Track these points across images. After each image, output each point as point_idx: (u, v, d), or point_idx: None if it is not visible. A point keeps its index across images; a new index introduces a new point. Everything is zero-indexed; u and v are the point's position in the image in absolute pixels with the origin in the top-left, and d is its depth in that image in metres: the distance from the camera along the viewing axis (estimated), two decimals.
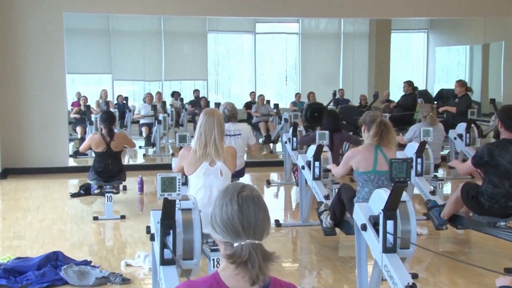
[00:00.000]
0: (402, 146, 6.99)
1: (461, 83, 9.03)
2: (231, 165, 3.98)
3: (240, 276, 1.62)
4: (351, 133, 8.59)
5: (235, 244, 1.62)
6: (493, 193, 4.42)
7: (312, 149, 5.64)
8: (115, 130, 6.70)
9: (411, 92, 10.55)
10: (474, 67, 15.28)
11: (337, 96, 12.86)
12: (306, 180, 5.72)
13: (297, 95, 13.55)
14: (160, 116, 10.59)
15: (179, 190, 3.15)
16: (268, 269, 1.63)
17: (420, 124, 7.11)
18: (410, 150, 5.94)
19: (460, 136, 7.86)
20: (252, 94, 13.41)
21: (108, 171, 6.42)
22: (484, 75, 14.58)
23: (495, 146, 4.46)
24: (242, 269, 1.61)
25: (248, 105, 12.87)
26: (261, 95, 12.43)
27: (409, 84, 10.61)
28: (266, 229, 1.68)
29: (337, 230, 4.97)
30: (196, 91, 13.83)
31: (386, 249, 3.35)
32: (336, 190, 5.07)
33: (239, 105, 14.86)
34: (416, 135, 6.86)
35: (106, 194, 6.18)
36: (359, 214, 3.63)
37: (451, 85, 15.08)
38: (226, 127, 5.61)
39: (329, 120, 6.54)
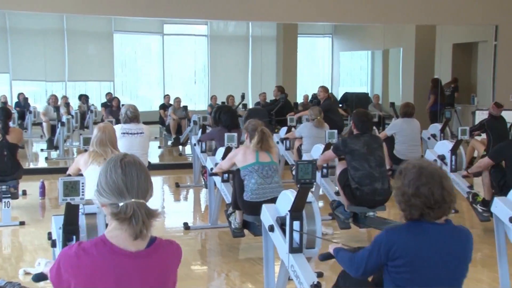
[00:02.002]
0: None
1: (325, 88, 9.61)
2: None
3: (124, 232, 1.78)
4: None
5: (121, 204, 1.78)
6: (359, 177, 4.91)
7: (220, 151, 5.65)
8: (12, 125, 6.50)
9: (326, 97, 10.72)
10: (375, 72, 15.96)
11: (251, 98, 13.04)
12: (215, 182, 5.73)
13: (213, 97, 13.54)
14: (64, 118, 10.19)
15: (82, 195, 3.04)
16: (151, 225, 1.81)
17: (309, 123, 7.48)
18: (315, 152, 6.11)
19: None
20: (167, 96, 13.26)
21: (4, 163, 6.11)
22: (384, 79, 15.27)
23: (347, 138, 5.30)
24: (127, 225, 1.77)
25: (163, 108, 12.72)
26: (177, 98, 12.38)
27: (324, 90, 10.78)
28: (148, 189, 1.88)
29: (246, 231, 5.02)
30: (108, 94, 13.50)
31: (293, 250, 3.42)
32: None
33: (148, 107, 14.61)
34: (306, 133, 7.38)
35: (3, 199, 5.85)
36: (267, 215, 3.67)
37: (355, 88, 15.71)
38: (128, 127, 5.74)
39: (227, 117, 6.67)
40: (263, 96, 13.40)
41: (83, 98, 13.87)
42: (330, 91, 16.33)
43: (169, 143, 11.68)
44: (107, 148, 4.38)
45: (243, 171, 4.69)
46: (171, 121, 11.74)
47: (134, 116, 5.88)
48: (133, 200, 1.79)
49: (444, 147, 6.35)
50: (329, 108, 9.36)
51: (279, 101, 11.39)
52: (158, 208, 1.83)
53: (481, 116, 10.14)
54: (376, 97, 12.75)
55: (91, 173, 4.11)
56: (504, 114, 9.64)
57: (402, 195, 2.36)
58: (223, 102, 12.44)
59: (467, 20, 11.27)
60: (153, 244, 1.85)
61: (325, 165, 5.85)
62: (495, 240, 3.78)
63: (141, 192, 1.83)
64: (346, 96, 15.30)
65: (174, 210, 7.24)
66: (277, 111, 11.07)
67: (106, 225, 3.21)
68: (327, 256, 2.83)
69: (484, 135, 8.32)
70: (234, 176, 4.97)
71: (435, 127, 8.42)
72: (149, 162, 6.22)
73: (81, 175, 4.09)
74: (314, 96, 13.59)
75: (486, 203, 5.42)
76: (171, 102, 12.46)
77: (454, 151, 6.16)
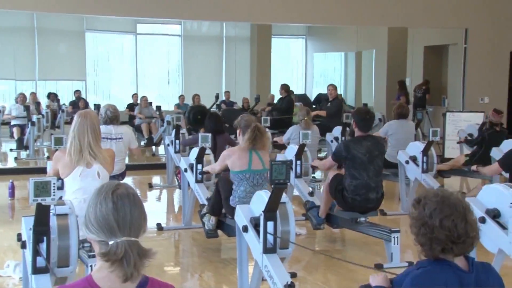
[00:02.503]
0: (282, 149, 7.24)
1: (334, 86, 9.53)
2: (109, 167, 3.89)
3: (114, 275, 1.60)
4: (233, 136, 8.71)
5: (110, 242, 1.60)
6: (355, 186, 4.80)
7: (194, 151, 5.63)
8: None
9: (286, 95, 10.93)
10: (348, 73, 16.09)
11: (223, 98, 12.98)
12: (188, 182, 5.70)
13: (181, 97, 13.47)
14: (34, 118, 10.02)
15: (54, 195, 3.00)
16: (144, 266, 1.63)
17: (297, 126, 7.39)
18: (290, 153, 6.13)
19: (337, 139, 8.24)
20: (135, 95, 13.14)
21: None
22: (357, 81, 15.40)
23: (350, 142, 4.99)
24: (117, 267, 1.59)
25: (130, 107, 12.59)
26: (144, 97, 12.25)
27: (283, 87, 10.99)
28: (142, 226, 1.68)
29: (220, 232, 5.00)
30: (77, 92, 13.30)
31: (267, 250, 3.42)
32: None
33: (120, 107, 14.44)
34: (293, 136, 7.15)
35: None
36: (241, 216, 3.67)
37: None
38: (107, 130, 5.56)
39: (211, 122, 6.61)
40: (227, 95, 13.42)
41: (52, 96, 13.65)
42: (304, 92, 16.47)
43: (142, 143, 11.59)
44: (86, 141, 3.80)
45: (234, 176, 4.56)
46: (141, 121, 11.65)
47: (114, 117, 5.66)
48: (124, 238, 1.61)
49: (415, 148, 6.43)
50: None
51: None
52: (152, 248, 1.66)
53: (451, 117, 10.29)
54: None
55: (71, 179, 3.81)
56: (474, 116, 9.82)
57: (423, 226, 2.09)
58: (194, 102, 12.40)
59: (438, 23, 11.44)
60: (146, 285, 1.69)
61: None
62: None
63: (134, 230, 1.65)
64: (320, 97, 15.38)
65: (147, 211, 7.12)
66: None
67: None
68: None
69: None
70: (218, 181, 4.83)
71: None
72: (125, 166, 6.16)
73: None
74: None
75: None
76: (139, 101, 12.34)
77: (425, 152, 6.24)
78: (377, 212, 5.12)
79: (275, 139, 7.95)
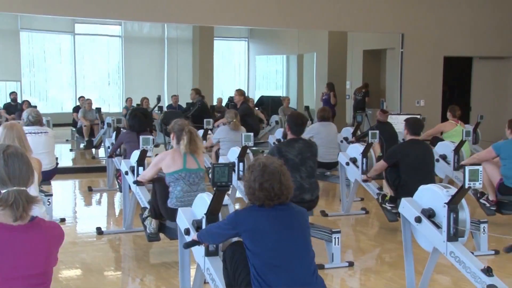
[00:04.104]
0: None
1: (240, 92, 9.78)
2: (38, 175, 3.91)
3: (6, 215, 2.01)
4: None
5: (3, 191, 2.02)
6: None
7: (136, 154, 5.55)
8: None
9: (243, 100, 10.55)
10: (290, 76, 16.27)
11: (166, 100, 12.84)
12: (129, 185, 5.61)
13: (128, 99, 13.24)
14: None
15: None
16: (31, 209, 2.04)
17: (226, 127, 7.52)
18: (232, 155, 6.14)
19: (279, 141, 8.33)
20: (81, 98, 12.83)
21: None
22: (299, 83, 15.59)
23: (282, 144, 5.13)
24: (8, 210, 2.00)
25: (77, 110, 12.30)
26: (88, 99, 11.99)
27: (239, 93, 10.60)
28: (30, 178, 2.09)
29: (162, 235, 4.95)
30: (13, 93, 12.81)
31: (209, 253, 3.42)
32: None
33: (59, 109, 14.08)
34: (222, 136, 7.44)
35: None
36: (183, 219, 3.65)
37: (271, 92, 15.93)
38: (31, 128, 5.79)
39: (135, 121, 6.60)
40: (175, 99, 13.28)
41: None
42: (246, 94, 16.50)
43: (82, 146, 11.33)
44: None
45: (169, 177, 4.55)
46: (84, 125, 11.39)
47: (36, 121, 5.89)
48: (14, 188, 2.02)
49: (355, 150, 6.57)
50: (246, 112, 9.43)
51: (196, 104, 11.32)
52: (38, 195, 2.16)
53: (389, 120, 10.58)
54: (286, 100, 12.93)
55: None
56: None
57: (249, 188, 2.92)
58: (138, 105, 12.22)
59: (376, 28, 11.74)
60: (33, 220, 2.07)
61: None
62: (402, 240, 3.95)
63: (23, 181, 2.05)
64: (262, 99, 15.48)
65: (86, 214, 7.00)
66: (194, 115, 10.99)
67: None
68: (191, 243, 3.35)
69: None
70: (154, 184, 4.81)
71: (347, 131, 8.70)
72: (56, 162, 6.15)
73: None
74: (231, 99, 13.67)
75: (394, 199, 5.69)
76: (82, 104, 12.07)
77: (365, 154, 6.39)
78: (312, 212, 5.22)
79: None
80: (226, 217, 3.11)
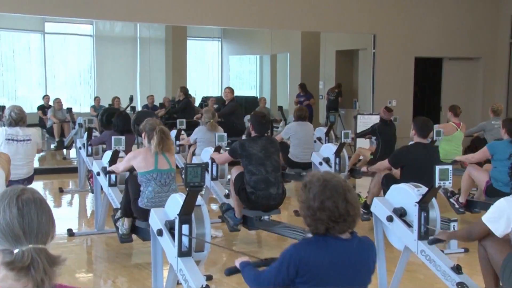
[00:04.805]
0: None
1: (230, 89, 9.73)
2: (6, 171, 3.79)
3: (21, 284, 1.48)
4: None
5: (15, 251, 1.49)
6: (254, 181, 4.97)
7: (107, 154, 5.50)
8: None
9: (232, 99, 10.38)
10: (264, 76, 16.29)
11: (139, 100, 12.76)
12: (101, 186, 5.55)
13: (96, 98, 13.09)
14: None
15: None
16: (55, 274, 1.52)
17: (203, 127, 7.53)
18: (206, 155, 6.12)
19: None
20: (46, 97, 12.63)
21: None
22: (273, 83, 15.63)
23: (246, 141, 5.22)
24: (24, 275, 1.47)
25: (42, 109, 12.09)
26: (57, 99, 11.81)
27: (230, 91, 10.43)
28: (50, 232, 1.58)
29: (134, 236, 4.91)
30: None
31: (182, 253, 3.40)
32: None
33: (29, 108, 13.81)
34: (199, 136, 7.42)
35: None
36: (155, 220, 3.62)
37: (244, 92, 15.93)
38: (14, 132, 5.37)
39: (120, 121, 6.57)
40: (151, 99, 13.19)
41: None
42: (220, 94, 16.47)
43: (52, 146, 11.16)
44: None
45: (141, 177, 4.56)
46: (54, 123, 11.22)
47: (20, 119, 5.45)
48: (31, 246, 1.50)
49: (329, 149, 6.61)
50: (233, 110, 9.31)
51: (182, 102, 11.30)
52: (61, 254, 1.55)
53: (362, 120, 10.68)
54: (263, 100, 12.97)
55: None
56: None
57: (308, 209, 2.30)
58: (109, 104, 12.08)
59: (348, 28, 11.83)
60: None
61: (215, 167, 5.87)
62: (374, 239, 3.98)
63: (41, 237, 1.54)
64: (236, 99, 15.46)
65: (57, 216, 6.82)
66: (178, 112, 10.94)
67: None
68: (234, 270, 2.66)
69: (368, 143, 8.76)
70: (127, 181, 4.81)
71: (321, 131, 8.75)
72: (34, 170, 5.89)
73: None
74: (204, 99, 13.65)
75: (367, 206, 5.63)
76: (51, 103, 11.89)
77: (338, 153, 6.43)
78: (279, 210, 5.26)
79: (181, 142, 8.01)
80: (280, 257, 2.35)
